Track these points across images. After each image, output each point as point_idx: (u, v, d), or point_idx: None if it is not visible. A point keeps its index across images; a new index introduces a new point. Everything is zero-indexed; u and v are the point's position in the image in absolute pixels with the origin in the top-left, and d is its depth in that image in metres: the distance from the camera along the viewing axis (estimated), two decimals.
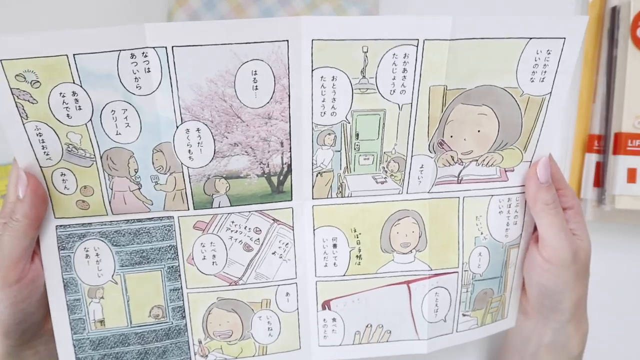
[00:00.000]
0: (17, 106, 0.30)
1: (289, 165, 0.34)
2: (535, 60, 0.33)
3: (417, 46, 0.31)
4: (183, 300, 0.36)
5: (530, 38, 0.32)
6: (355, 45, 0.31)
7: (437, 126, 0.34)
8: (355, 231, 0.37)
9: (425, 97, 0.33)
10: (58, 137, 0.31)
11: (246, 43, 0.30)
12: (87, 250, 0.34)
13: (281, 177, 0.35)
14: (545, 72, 0.34)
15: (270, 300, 0.37)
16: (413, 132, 0.34)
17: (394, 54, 0.32)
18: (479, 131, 0.35)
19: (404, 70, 0.32)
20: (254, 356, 0.38)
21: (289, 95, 0.32)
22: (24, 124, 0.31)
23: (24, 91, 0.30)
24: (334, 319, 0.38)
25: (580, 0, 0.47)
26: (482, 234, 0.38)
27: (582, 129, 0.46)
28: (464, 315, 0.39)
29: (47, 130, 0.31)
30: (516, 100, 0.34)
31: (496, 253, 0.38)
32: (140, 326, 0.36)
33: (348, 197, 0.36)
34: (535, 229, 0.39)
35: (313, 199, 0.36)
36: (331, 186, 0.36)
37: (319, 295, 0.38)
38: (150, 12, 0.46)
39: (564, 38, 0.33)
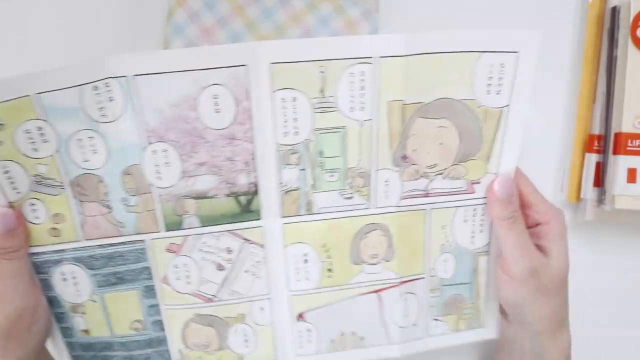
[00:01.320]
0: None
1: (256, 185, 0.35)
2: (490, 73, 0.33)
3: (372, 64, 0.32)
4: (161, 315, 0.37)
5: (483, 52, 0.33)
6: (313, 66, 0.32)
7: (399, 140, 0.35)
8: (325, 246, 0.37)
9: (385, 112, 0.34)
10: (26, 171, 0.32)
11: (205, 69, 0.32)
12: (63, 274, 0.35)
13: (249, 197, 0.35)
14: (500, 84, 0.34)
15: (245, 315, 0.38)
16: (376, 147, 0.35)
17: (351, 73, 0.33)
18: (441, 144, 0.35)
19: (362, 87, 0.33)
20: None
21: (251, 117, 0.33)
22: None
23: None
24: (308, 330, 0.39)
25: (580, 0, 0.47)
26: (447, 241, 0.38)
27: (582, 129, 0.46)
28: (435, 319, 0.40)
29: (14, 167, 0.32)
30: (474, 112, 0.35)
31: (463, 259, 0.39)
32: (123, 337, 0.37)
33: (317, 213, 0.36)
34: None
35: (282, 217, 0.36)
36: (299, 204, 0.36)
37: (293, 308, 0.39)
38: (151, 12, 0.46)
39: (517, 52, 0.33)
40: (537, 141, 0.48)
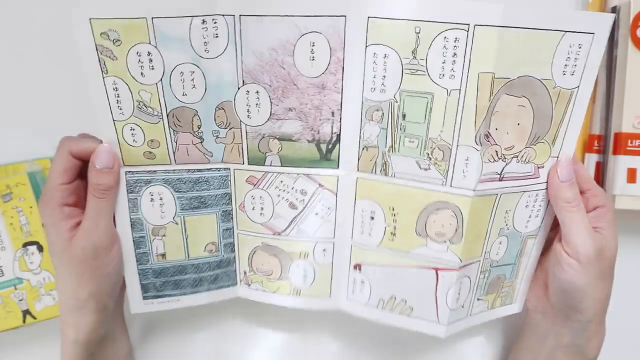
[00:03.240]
0: (99, 61, 0.33)
1: (338, 135, 0.36)
2: (568, 54, 0.34)
3: (467, 31, 0.32)
4: (234, 238, 0.41)
5: (566, 31, 0.33)
6: (409, 26, 0.32)
7: (485, 116, 0.33)
8: (393, 210, 0.37)
9: (474, 84, 0.33)
10: (131, 93, 0.35)
11: (307, 16, 0.33)
12: (152, 195, 0.38)
13: (330, 146, 0.37)
14: (575, 65, 0.34)
15: (308, 253, 0.40)
16: (460, 120, 0.34)
17: (445, 37, 0.32)
18: (518, 124, 0.35)
19: (454, 54, 0.32)
20: (288, 294, 0.42)
21: (343, 68, 0.34)
22: (103, 78, 0.34)
23: (107, 48, 0.33)
24: (362, 281, 0.40)
25: (580, 0, 0.47)
26: (506, 225, 0.38)
27: (582, 129, 0.46)
28: (478, 299, 0.40)
29: (122, 86, 0.34)
30: (549, 92, 0.34)
31: (514, 242, 0.39)
32: (196, 259, 0.41)
33: (391, 176, 0.36)
34: (555, 222, 0.39)
35: (358, 171, 0.37)
36: (376, 162, 0.37)
37: (352, 257, 0.40)
38: None
39: (593, 34, 0.33)
40: None
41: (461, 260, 0.37)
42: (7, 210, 0.42)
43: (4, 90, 0.46)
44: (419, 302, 0.39)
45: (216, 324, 0.48)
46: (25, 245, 0.43)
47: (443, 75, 0.33)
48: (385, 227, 0.38)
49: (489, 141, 0.34)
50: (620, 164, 0.43)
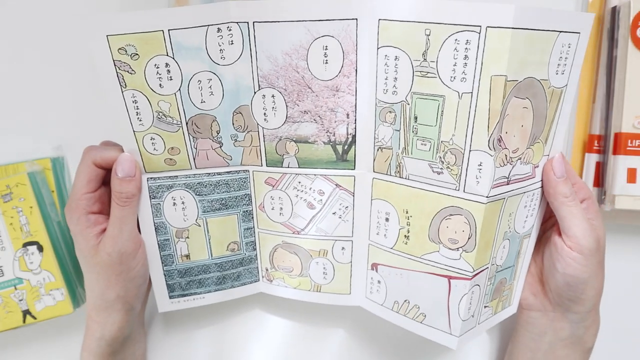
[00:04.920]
0: (117, 76, 0.34)
1: (354, 136, 0.37)
2: (561, 53, 0.33)
3: (479, 33, 0.31)
4: (254, 236, 0.42)
5: (560, 31, 0.33)
6: (418, 28, 0.32)
7: (498, 120, 0.32)
8: (407, 213, 0.37)
9: (486, 88, 0.32)
10: (150, 105, 0.35)
11: (319, 20, 0.33)
12: (174, 199, 0.39)
13: (346, 147, 0.37)
14: (565, 64, 0.34)
15: (327, 251, 0.41)
16: (472, 125, 0.33)
17: (456, 40, 0.31)
18: (522, 126, 0.34)
19: (465, 57, 0.31)
20: (309, 290, 0.43)
21: (356, 70, 0.35)
22: (122, 92, 0.34)
23: (125, 63, 0.34)
24: (379, 281, 0.41)
25: (580, 0, 0.47)
26: (509, 228, 0.38)
27: (582, 129, 0.46)
28: (485, 307, 0.40)
29: (141, 98, 0.35)
30: (545, 93, 0.34)
31: (514, 244, 0.39)
32: (220, 258, 0.42)
33: (405, 178, 0.36)
34: (546, 219, 0.40)
35: (374, 171, 0.38)
36: (390, 164, 0.37)
37: (370, 256, 0.40)
38: None
39: (579, 33, 0.33)
40: None
41: (474, 269, 0.36)
42: (7, 210, 0.42)
43: (4, 91, 0.46)
44: (432, 310, 0.39)
45: (217, 323, 0.48)
46: (25, 245, 0.43)
47: (454, 78, 0.32)
48: (400, 230, 0.38)
49: (500, 145, 0.33)
50: (620, 164, 0.43)
